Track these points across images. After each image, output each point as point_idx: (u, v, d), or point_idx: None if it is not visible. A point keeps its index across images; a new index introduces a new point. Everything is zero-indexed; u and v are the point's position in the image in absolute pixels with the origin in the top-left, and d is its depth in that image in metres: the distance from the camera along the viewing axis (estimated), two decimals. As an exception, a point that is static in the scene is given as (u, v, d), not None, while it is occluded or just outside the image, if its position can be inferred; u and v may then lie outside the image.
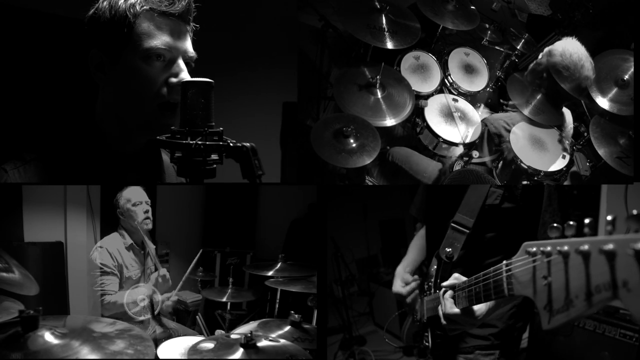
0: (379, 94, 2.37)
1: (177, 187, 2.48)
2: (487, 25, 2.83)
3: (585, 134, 2.32)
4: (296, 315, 1.88)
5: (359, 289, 3.97)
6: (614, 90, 2.30)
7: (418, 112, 2.43)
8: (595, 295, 0.64)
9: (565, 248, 0.69)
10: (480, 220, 1.48)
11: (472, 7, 2.75)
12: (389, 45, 2.43)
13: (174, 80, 1.16)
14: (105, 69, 1.19)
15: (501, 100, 2.58)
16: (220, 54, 2.33)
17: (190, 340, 1.76)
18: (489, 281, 1.01)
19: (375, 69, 2.39)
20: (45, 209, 2.15)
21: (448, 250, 1.46)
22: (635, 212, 0.59)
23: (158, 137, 1.05)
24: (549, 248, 0.74)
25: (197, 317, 2.38)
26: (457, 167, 2.32)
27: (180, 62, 1.18)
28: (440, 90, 2.55)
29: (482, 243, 1.54)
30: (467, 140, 2.36)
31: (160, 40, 1.14)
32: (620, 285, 0.60)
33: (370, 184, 2.49)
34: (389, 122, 2.31)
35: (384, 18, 2.49)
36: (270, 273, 2.33)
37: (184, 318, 2.38)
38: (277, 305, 2.38)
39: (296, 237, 2.93)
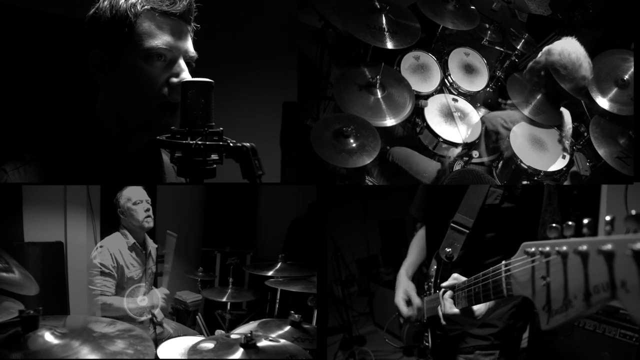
0: (379, 94, 2.37)
1: (177, 187, 2.48)
2: (487, 25, 2.83)
3: (585, 134, 2.32)
4: (296, 315, 1.88)
5: (359, 289, 3.97)
6: (614, 90, 2.31)
7: (418, 112, 2.43)
8: (593, 296, 0.64)
9: (564, 248, 0.69)
10: (480, 220, 1.48)
11: (472, 7, 2.75)
12: (389, 45, 2.43)
13: (174, 80, 1.16)
14: (105, 68, 1.18)
15: (500, 99, 2.58)
16: (220, 54, 2.33)
17: (190, 340, 1.76)
18: (488, 281, 1.01)
19: (375, 69, 2.39)
20: (45, 209, 2.15)
21: (448, 250, 1.46)
22: (634, 212, 0.59)
23: (158, 137, 1.05)
24: (547, 248, 0.74)
25: (197, 317, 2.38)
26: (457, 167, 2.32)
27: (181, 62, 1.18)
28: (440, 90, 2.55)
29: (482, 243, 1.53)
30: (468, 140, 2.36)
31: (161, 40, 1.14)
32: (618, 286, 0.60)
33: (370, 184, 2.49)
34: (389, 122, 2.31)
35: (384, 18, 2.49)
36: (270, 273, 2.33)
37: (184, 318, 2.38)
38: (277, 305, 2.38)
39: (296, 237, 2.94)
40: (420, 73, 2.57)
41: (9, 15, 2.14)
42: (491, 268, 1.01)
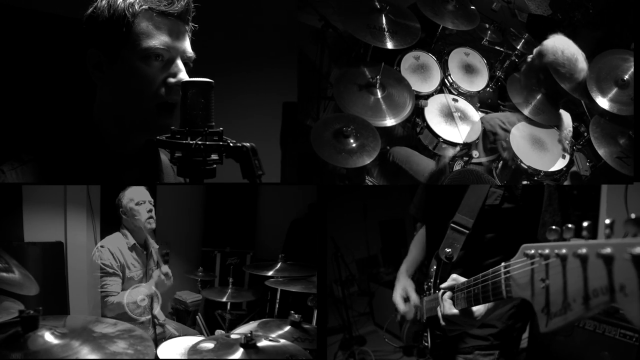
0: (379, 94, 2.37)
1: (177, 187, 2.48)
2: (487, 25, 2.83)
3: (585, 134, 2.32)
4: (296, 315, 1.88)
5: (359, 289, 3.97)
6: (614, 90, 2.30)
7: (418, 112, 2.43)
8: (592, 299, 0.64)
9: (564, 251, 0.69)
10: (480, 220, 1.48)
11: (472, 7, 2.75)
12: (389, 45, 2.43)
13: (172, 80, 1.16)
14: (103, 68, 1.18)
15: (499, 102, 2.58)
16: (220, 54, 2.33)
17: (190, 340, 1.76)
18: (488, 283, 1.01)
19: (375, 69, 2.39)
20: (45, 209, 2.15)
21: (448, 250, 1.45)
22: (633, 216, 0.59)
23: (158, 137, 1.05)
24: (547, 251, 0.74)
25: (197, 317, 2.38)
26: (457, 167, 2.32)
27: (179, 62, 1.17)
28: (440, 90, 2.55)
29: (482, 243, 1.53)
30: (468, 140, 2.36)
31: (158, 40, 1.14)
32: (617, 290, 0.60)
33: (370, 184, 2.49)
34: (389, 122, 2.31)
35: (384, 18, 2.49)
36: (270, 273, 2.33)
37: (184, 318, 2.39)
38: (277, 305, 2.38)
39: (296, 237, 2.94)
40: (420, 73, 2.57)
41: (6, 15, 2.14)
42: (490, 269, 1.01)
